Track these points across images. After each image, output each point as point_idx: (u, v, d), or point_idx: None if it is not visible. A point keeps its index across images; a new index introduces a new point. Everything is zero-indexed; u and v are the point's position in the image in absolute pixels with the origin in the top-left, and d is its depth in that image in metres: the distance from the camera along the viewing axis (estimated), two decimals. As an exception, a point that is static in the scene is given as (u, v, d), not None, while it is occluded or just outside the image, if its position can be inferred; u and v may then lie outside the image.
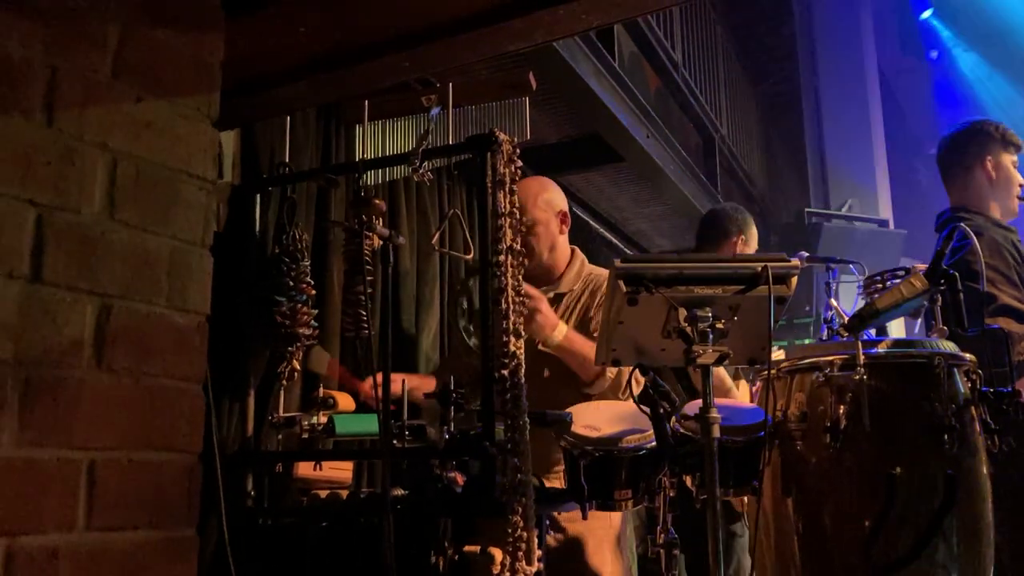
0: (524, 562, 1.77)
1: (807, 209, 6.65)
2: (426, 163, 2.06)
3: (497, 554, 1.95)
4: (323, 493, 2.07)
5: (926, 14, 8.52)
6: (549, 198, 2.65)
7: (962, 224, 2.28)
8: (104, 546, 1.23)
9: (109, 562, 1.23)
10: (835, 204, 7.31)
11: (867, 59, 8.29)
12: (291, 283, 2.14)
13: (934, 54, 8.45)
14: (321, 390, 2.12)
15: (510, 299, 1.90)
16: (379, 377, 1.80)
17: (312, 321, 2.16)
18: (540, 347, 2.39)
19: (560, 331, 2.40)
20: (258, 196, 2.28)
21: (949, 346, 1.92)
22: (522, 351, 1.90)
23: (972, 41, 8.26)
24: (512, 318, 1.90)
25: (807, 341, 4.90)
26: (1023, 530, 2.37)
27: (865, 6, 8.35)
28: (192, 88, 1.47)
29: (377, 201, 2.04)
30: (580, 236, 4.82)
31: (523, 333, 1.91)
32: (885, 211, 7.33)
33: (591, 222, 5.13)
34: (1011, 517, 2.23)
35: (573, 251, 2.74)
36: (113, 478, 1.27)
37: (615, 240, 5.51)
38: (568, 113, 3.82)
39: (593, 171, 4.47)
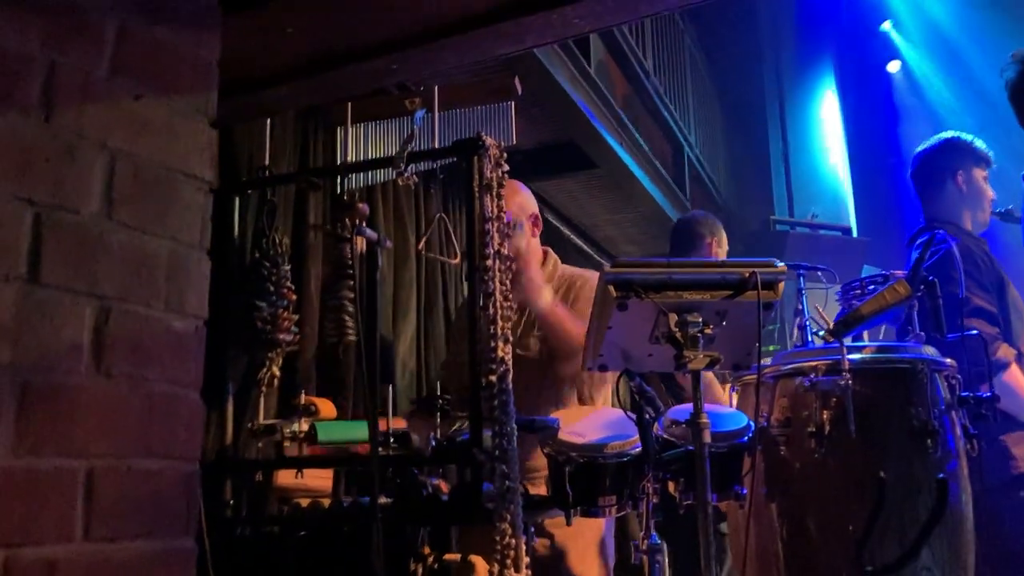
0: (512, 570, 1.76)
1: (772, 217, 6.73)
2: (411, 167, 2.04)
3: (478, 563, 1.93)
4: (304, 502, 2.04)
5: (885, 25, 8.67)
6: (521, 201, 2.64)
7: (940, 229, 2.32)
8: (103, 557, 1.19)
9: (108, 573, 1.19)
10: (800, 213, 7.41)
11: (830, 69, 8.43)
12: (272, 288, 2.10)
13: (894, 66, 8.59)
14: (303, 396, 2.09)
15: (498, 304, 1.89)
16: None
17: (293, 327, 2.13)
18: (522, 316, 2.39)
19: (546, 296, 2.41)
20: (237, 199, 2.24)
21: (931, 351, 1.95)
22: (510, 357, 1.88)
23: (930, 53, 8.42)
24: (500, 323, 1.88)
25: (771, 348, 4.95)
26: (996, 532, 2.42)
27: (828, 18, 8.49)
28: (190, 87, 1.43)
29: (360, 205, 2.02)
30: (551, 242, 4.81)
31: (510, 338, 1.90)
32: (849, 219, 7.45)
33: (562, 228, 5.13)
34: (986, 518, 2.27)
35: (546, 253, 2.74)
36: (112, 487, 1.22)
37: (585, 247, 5.52)
38: (545, 119, 3.82)
39: (567, 178, 4.47)
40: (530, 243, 2.63)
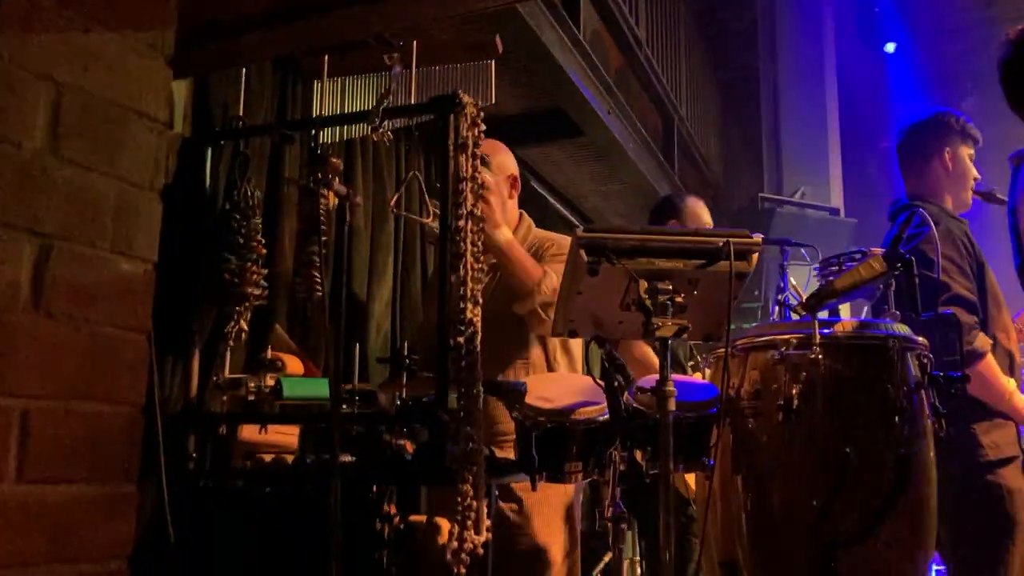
0: (473, 531, 1.75)
1: (761, 194, 6.71)
2: (386, 123, 2.00)
3: (444, 524, 1.92)
4: (268, 457, 2.02)
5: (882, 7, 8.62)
6: (500, 161, 2.63)
7: (922, 209, 2.29)
8: (37, 499, 1.17)
9: (42, 516, 1.16)
10: (788, 191, 7.39)
11: (826, 50, 8.36)
12: (241, 241, 2.07)
13: (891, 47, 8.54)
14: (269, 352, 2.07)
15: (469, 265, 1.86)
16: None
17: (262, 281, 2.10)
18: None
19: (505, 232, 2.40)
20: (209, 150, 2.20)
21: (903, 329, 1.94)
22: (479, 319, 1.86)
23: (924, 34, 8.37)
24: (471, 285, 1.86)
25: (752, 325, 4.94)
26: (959, 516, 2.43)
27: (826, -4, 8.42)
28: (146, 22, 1.38)
29: (334, 159, 1.98)
30: (536, 210, 4.77)
31: (480, 300, 1.88)
32: (836, 200, 7.43)
33: (548, 197, 5.09)
34: (950, 503, 2.27)
35: (521, 215, 2.72)
36: (49, 428, 1.19)
37: (571, 216, 5.48)
38: (531, 84, 3.77)
39: (553, 145, 4.42)
40: (505, 203, 2.61)
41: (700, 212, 3.43)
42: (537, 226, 2.77)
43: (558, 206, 5.29)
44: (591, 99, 3.95)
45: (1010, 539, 2.47)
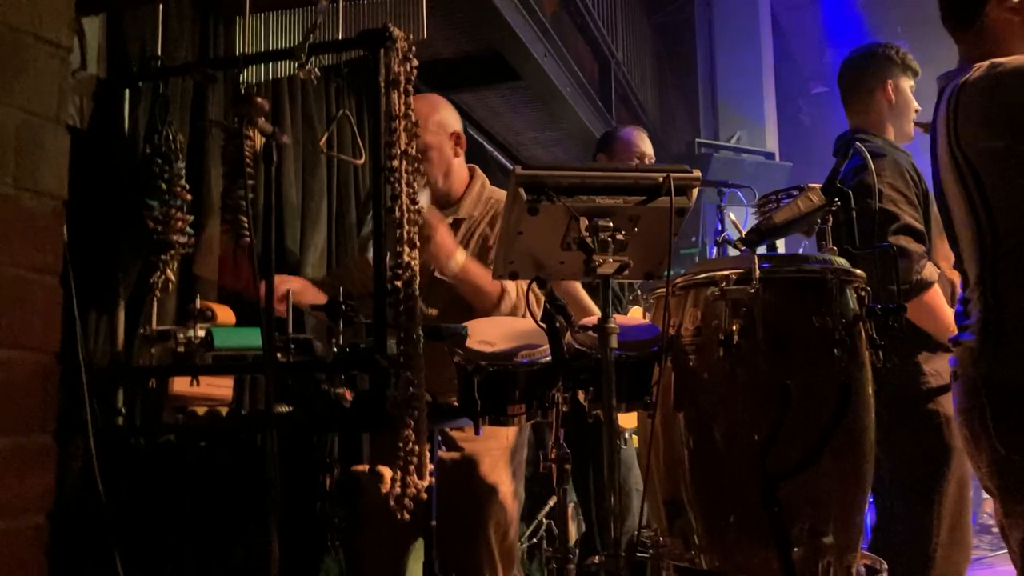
0: (415, 476, 1.72)
1: (697, 140, 6.73)
2: (313, 60, 1.92)
3: (386, 472, 1.89)
4: (201, 411, 1.96)
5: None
6: (441, 119, 2.46)
7: (858, 144, 2.30)
8: (-62, 452, 1.09)
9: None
10: (724, 136, 7.44)
11: (760, -7, 8.38)
12: (164, 186, 1.98)
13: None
14: (198, 301, 1.99)
15: (404, 207, 1.80)
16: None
17: (187, 228, 2.01)
18: (436, 275, 2.28)
19: (457, 260, 2.26)
20: (127, 92, 2.09)
21: (841, 262, 1.94)
22: (416, 262, 1.81)
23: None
24: (407, 227, 1.81)
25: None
26: (899, 443, 2.48)
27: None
28: (42, -60, 1.28)
29: (259, 99, 1.89)
30: (475, 159, 4.71)
31: (417, 243, 1.83)
32: (772, 144, 7.50)
33: (486, 145, 5.03)
34: (889, 432, 2.32)
35: (472, 172, 2.58)
36: (-52, 376, 1.12)
37: (510, 164, 5.43)
38: (466, 26, 3.69)
39: (489, 90, 4.36)
40: (451, 163, 2.49)
41: (636, 141, 3.34)
42: None
43: (497, 154, 5.23)
44: (527, 41, 3.89)
45: (946, 465, 2.53)
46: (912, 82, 2.85)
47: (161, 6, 2.14)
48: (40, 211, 1.27)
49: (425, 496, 1.75)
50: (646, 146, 3.32)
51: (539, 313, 1.84)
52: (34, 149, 1.25)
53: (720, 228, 4.24)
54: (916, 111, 2.84)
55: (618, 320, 1.94)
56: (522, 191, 1.72)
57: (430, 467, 1.76)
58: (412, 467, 1.72)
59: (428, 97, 2.55)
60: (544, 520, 3.83)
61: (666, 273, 1.80)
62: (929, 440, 2.56)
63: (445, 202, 2.48)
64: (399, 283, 1.79)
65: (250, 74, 2.05)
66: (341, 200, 3.11)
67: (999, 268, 1.88)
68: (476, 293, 2.32)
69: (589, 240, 1.71)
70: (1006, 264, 1.87)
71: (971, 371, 1.92)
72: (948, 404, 2.59)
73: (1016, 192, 1.86)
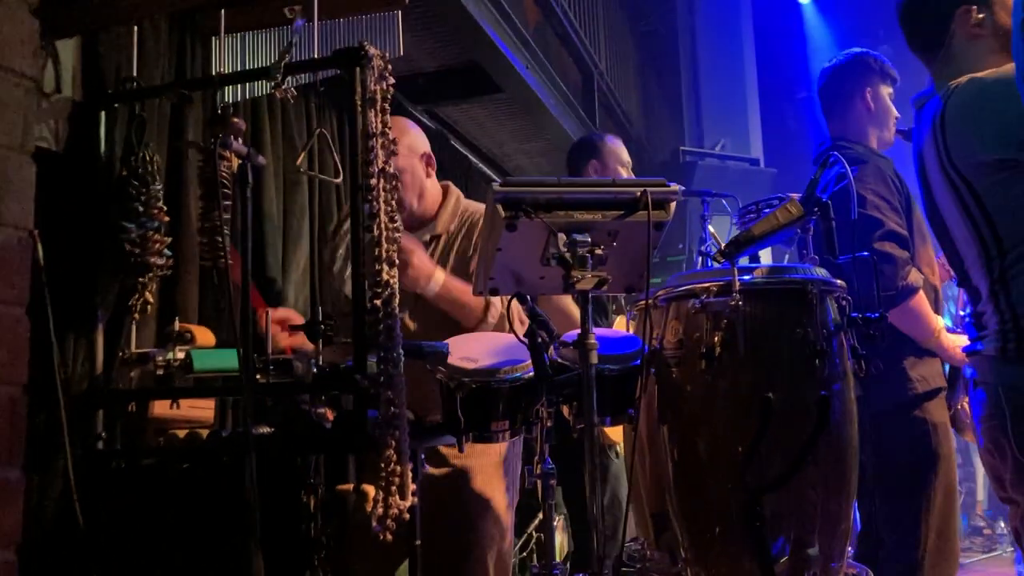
0: (397, 496, 1.70)
1: (682, 148, 6.75)
2: (290, 79, 1.91)
3: (371, 491, 1.88)
4: (181, 433, 1.94)
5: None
6: (410, 142, 2.45)
7: (836, 153, 2.30)
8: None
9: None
10: (709, 143, 7.46)
11: (742, 1, 8.42)
12: (141, 208, 1.96)
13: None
14: (177, 324, 1.97)
15: (383, 225, 1.80)
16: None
17: (165, 249, 2.00)
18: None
19: (437, 280, 2.27)
20: (103, 114, 2.07)
21: (821, 272, 1.95)
22: (396, 280, 1.80)
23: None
24: (385, 245, 1.80)
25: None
26: (886, 450, 2.48)
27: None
28: (3, -34, 1.27)
29: (235, 119, 1.88)
30: (459, 171, 4.71)
31: (396, 261, 1.82)
32: (756, 150, 7.53)
33: (470, 157, 5.02)
34: (876, 439, 2.32)
35: (446, 188, 2.57)
36: (-90, 412, 1.10)
37: (495, 176, 5.43)
38: (446, 40, 3.68)
39: (472, 102, 4.35)
40: (424, 185, 2.49)
41: (619, 150, 3.36)
42: (461, 188, 2.65)
43: (481, 166, 5.22)
44: (508, 53, 3.88)
45: (933, 472, 2.53)
46: (891, 89, 2.88)
47: (136, 27, 2.12)
48: (5, 243, 1.26)
49: (407, 516, 1.73)
50: (626, 154, 3.37)
51: (522, 329, 1.84)
52: (-1, 180, 1.24)
53: (704, 237, 4.25)
54: (896, 118, 2.87)
55: (601, 333, 1.94)
56: (500, 208, 1.72)
57: (412, 487, 1.75)
58: (394, 488, 1.70)
59: (396, 120, 2.52)
60: (534, 533, 3.81)
61: (646, 287, 1.79)
62: (916, 447, 2.56)
63: (421, 222, 2.48)
64: (378, 302, 1.78)
65: (228, 94, 2.04)
66: (323, 218, 3.10)
67: (1009, 277, 1.89)
68: (460, 309, 2.32)
69: (568, 255, 1.71)
70: (1016, 272, 1.87)
71: (991, 379, 1.92)
72: (936, 411, 2.60)
73: (1016, 201, 1.86)
